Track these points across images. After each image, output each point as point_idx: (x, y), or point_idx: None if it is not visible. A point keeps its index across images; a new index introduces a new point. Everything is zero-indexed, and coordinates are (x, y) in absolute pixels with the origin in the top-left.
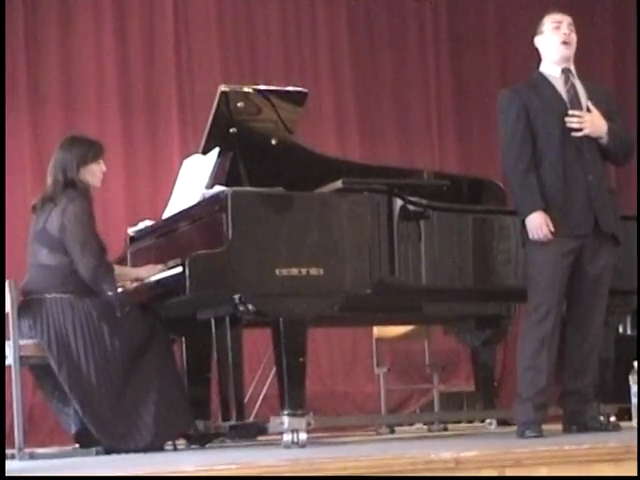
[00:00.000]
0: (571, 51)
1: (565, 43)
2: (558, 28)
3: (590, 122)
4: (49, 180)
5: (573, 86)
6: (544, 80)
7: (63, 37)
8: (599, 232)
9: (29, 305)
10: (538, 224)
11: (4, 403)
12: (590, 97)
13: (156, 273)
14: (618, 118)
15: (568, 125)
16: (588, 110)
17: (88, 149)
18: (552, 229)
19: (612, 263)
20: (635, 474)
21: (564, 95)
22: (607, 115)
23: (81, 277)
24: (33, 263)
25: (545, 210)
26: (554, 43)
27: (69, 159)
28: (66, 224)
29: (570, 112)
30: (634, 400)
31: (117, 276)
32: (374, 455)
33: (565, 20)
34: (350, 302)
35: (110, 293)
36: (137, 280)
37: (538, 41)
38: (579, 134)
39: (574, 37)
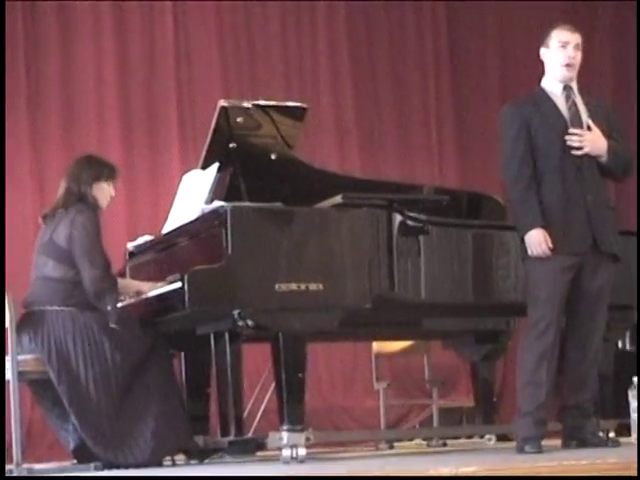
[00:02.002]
0: (573, 73)
1: (568, 65)
2: (564, 48)
3: (590, 141)
4: (61, 191)
5: (574, 104)
6: (545, 97)
7: (63, 53)
8: (598, 250)
9: (30, 317)
10: (537, 241)
11: (4, 407)
12: (591, 114)
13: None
14: (619, 135)
15: (568, 143)
16: (589, 128)
17: (104, 167)
18: (551, 246)
19: (611, 279)
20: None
21: (565, 113)
22: (608, 132)
23: (84, 291)
24: (37, 275)
25: (544, 227)
26: (557, 63)
27: (84, 173)
28: (74, 234)
29: (570, 130)
30: (633, 415)
31: (119, 288)
32: (373, 471)
33: (573, 41)
34: (349, 317)
35: (109, 308)
36: (138, 294)
37: (543, 53)
38: (579, 152)
39: (579, 58)
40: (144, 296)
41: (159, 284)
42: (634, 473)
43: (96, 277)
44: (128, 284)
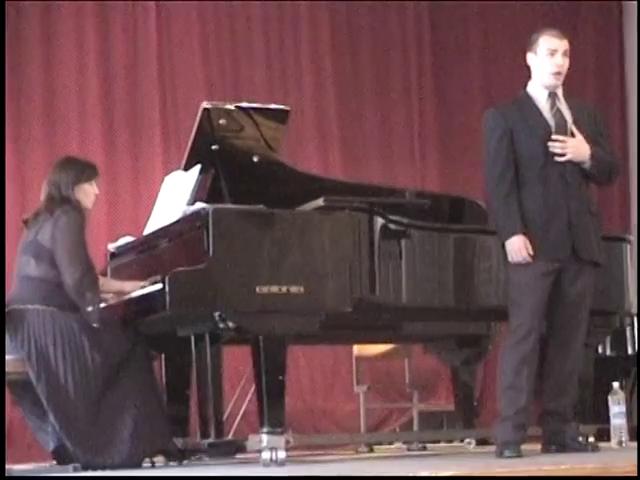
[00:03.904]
0: (561, 81)
1: (557, 74)
2: (552, 56)
3: (573, 147)
4: (43, 196)
5: (559, 110)
6: (530, 102)
7: (45, 55)
8: (578, 257)
9: (11, 316)
10: (517, 247)
11: (4, 405)
12: (575, 120)
13: (139, 289)
14: (604, 139)
15: (551, 149)
16: (572, 135)
17: (82, 169)
18: (531, 252)
19: (592, 285)
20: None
21: (549, 119)
22: (592, 137)
23: (65, 291)
24: (19, 275)
25: (525, 233)
26: (545, 71)
27: (64, 177)
28: (57, 234)
29: (553, 137)
30: (613, 421)
31: (100, 285)
32: (353, 474)
33: (561, 48)
34: (330, 320)
35: (91, 308)
36: (120, 293)
37: (530, 58)
38: (562, 159)
39: (567, 65)
40: (126, 297)
41: (141, 283)
42: (613, 477)
43: (77, 278)
44: (110, 283)
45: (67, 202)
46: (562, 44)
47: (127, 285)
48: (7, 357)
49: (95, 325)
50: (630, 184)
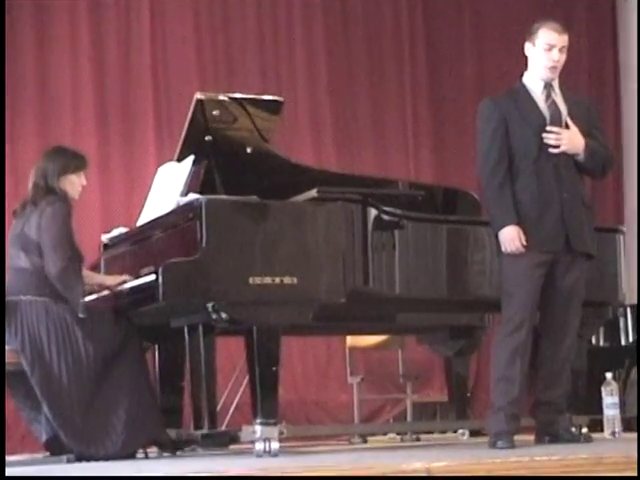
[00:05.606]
0: (556, 74)
1: (552, 68)
2: (550, 50)
3: (567, 139)
4: (29, 185)
5: (554, 102)
6: (525, 93)
7: (39, 47)
8: (571, 248)
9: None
10: (510, 238)
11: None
12: (570, 113)
13: (121, 283)
14: (598, 132)
15: (545, 141)
16: (567, 127)
17: (71, 160)
18: (524, 243)
19: (585, 276)
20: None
21: (544, 110)
22: (587, 129)
23: None
24: (10, 267)
25: (518, 224)
26: (541, 64)
27: (51, 167)
28: (42, 224)
29: (548, 128)
30: (606, 411)
31: (84, 278)
32: (346, 464)
33: (559, 44)
34: (324, 311)
35: (75, 298)
36: (101, 286)
37: (528, 48)
38: (556, 151)
39: (563, 60)
40: (119, 288)
41: (123, 277)
42: (606, 468)
43: (60, 268)
44: (91, 276)
45: (52, 192)
46: (561, 39)
47: (108, 279)
48: None
49: (81, 315)
50: (624, 176)
